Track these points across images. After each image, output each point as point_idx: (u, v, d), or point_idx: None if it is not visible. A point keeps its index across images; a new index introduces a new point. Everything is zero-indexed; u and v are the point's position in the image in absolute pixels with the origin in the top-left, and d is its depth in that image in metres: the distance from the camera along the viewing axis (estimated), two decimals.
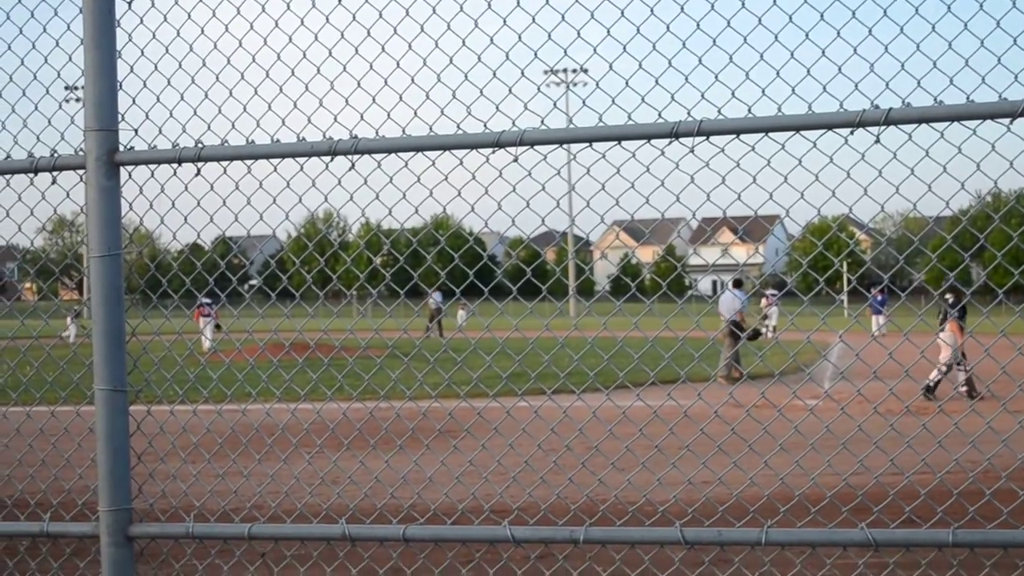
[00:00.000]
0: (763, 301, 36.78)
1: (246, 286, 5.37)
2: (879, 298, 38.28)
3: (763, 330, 31.75)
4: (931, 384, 20.71)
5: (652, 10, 4.28)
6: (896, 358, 4.36)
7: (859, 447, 4.53)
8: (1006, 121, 3.94)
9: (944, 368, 20.50)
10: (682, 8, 4.26)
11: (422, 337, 31.62)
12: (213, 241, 5.73)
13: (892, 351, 4.34)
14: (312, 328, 5.28)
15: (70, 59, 4.96)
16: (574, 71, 71.00)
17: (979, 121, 3.98)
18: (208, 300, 29.42)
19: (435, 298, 35.46)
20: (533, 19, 4.43)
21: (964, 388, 20.48)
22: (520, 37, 4.45)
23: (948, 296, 20.45)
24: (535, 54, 4.44)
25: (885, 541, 4.17)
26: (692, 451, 4.61)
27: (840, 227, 5.35)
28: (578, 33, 4.41)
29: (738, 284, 28.13)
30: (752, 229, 4.43)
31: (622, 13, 4.34)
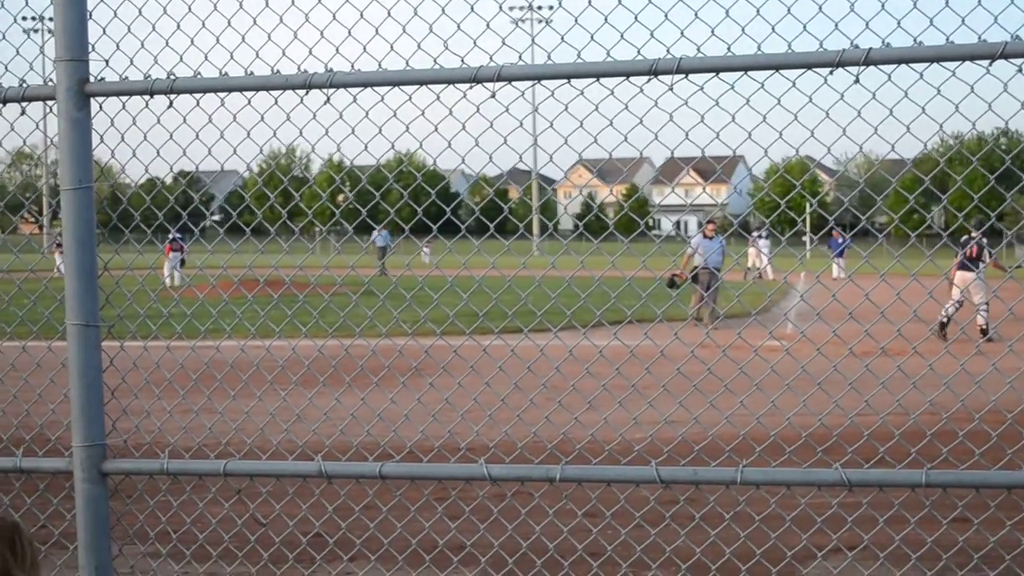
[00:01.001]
0: (752, 247, 36.36)
1: (212, 220, 5.32)
2: (839, 240, 38.16)
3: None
4: (944, 320, 20.73)
5: None
6: (872, 299, 4.37)
7: (834, 388, 4.55)
8: (985, 63, 3.93)
9: (956, 307, 20.47)
10: None
11: (373, 275, 31.26)
12: (184, 175, 5.67)
13: (869, 292, 4.35)
14: (286, 264, 5.25)
15: None
16: (545, 7, 70.65)
17: (958, 63, 3.97)
18: (180, 235, 29.19)
19: (382, 236, 34.81)
20: None
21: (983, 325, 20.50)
22: None
23: (974, 234, 20.09)
24: None
25: (859, 481, 4.20)
26: (668, 390, 4.61)
27: (804, 168, 5.35)
28: None
29: (710, 221, 27.07)
30: (715, 170, 4.40)
31: None
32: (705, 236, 25.09)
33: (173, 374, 5.12)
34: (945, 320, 20.59)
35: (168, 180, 5.79)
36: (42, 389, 5.24)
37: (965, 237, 20.28)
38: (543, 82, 4.38)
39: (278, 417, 5.11)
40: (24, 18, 5.55)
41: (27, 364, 5.28)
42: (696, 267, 23.82)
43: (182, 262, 31.40)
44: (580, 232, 5.00)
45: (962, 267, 20.28)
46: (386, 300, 4.87)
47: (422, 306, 5.32)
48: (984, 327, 20.47)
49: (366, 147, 4.66)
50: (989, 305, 19.37)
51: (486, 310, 4.75)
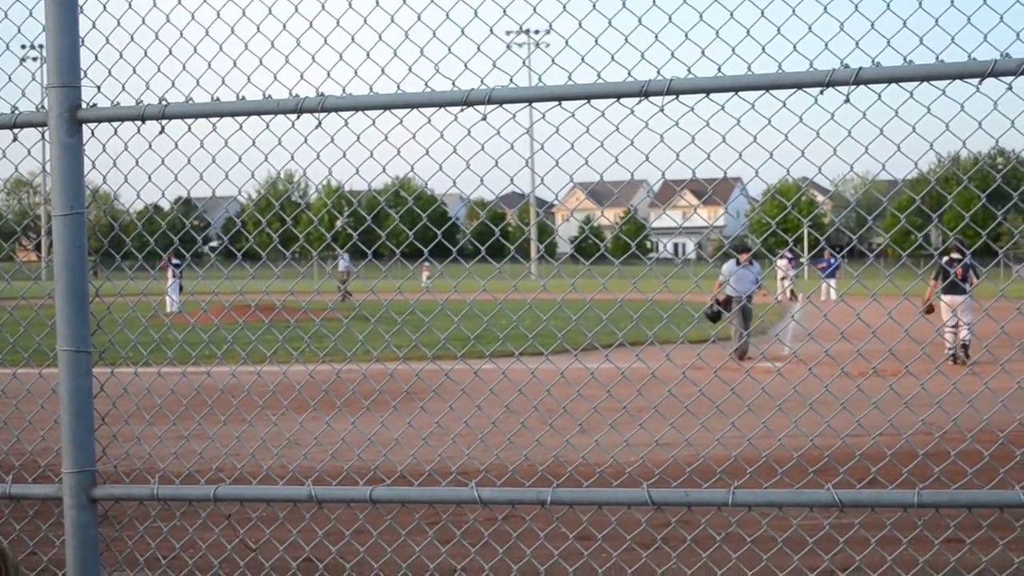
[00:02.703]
0: (780, 264, 35.92)
1: (208, 247, 5.31)
2: (832, 261, 38.00)
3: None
4: (966, 343, 20.70)
5: None
6: (863, 319, 4.37)
7: (826, 408, 4.54)
8: (975, 81, 3.93)
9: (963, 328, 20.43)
10: None
11: (335, 300, 30.90)
12: (176, 201, 5.66)
13: (860, 312, 4.35)
14: (278, 289, 5.24)
15: (30, 14, 4.87)
16: (536, 32, 70.84)
17: (948, 81, 3.98)
18: (177, 261, 29.15)
19: (344, 260, 34.41)
20: None
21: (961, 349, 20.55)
22: None
23: (955, 255, 20.04)
24: (504, 11, 4.40)
25: (851, 502, 4.18)
26: (659, 412, 4.60)
27: (804, 189, 5.35)
28: None
29: (744, 250, 24.31)
30: (714, 191, 4.41)
31: None
32: (738, 263, 23.49)
33: (164, 400, 5.11)
34: (952, 350, 20.61)
35: (165, 206, 5.81)
36: (32, 416, 5.22)
37: (947, 258, 20.22)
38: (534, 104, 4.38)
39: (269, 442, 5.10)
40: (21, 46, 5.55)
41: (18, 390, 5.27)
42: (729, 297, 22.85)
43: (180, 288, 31.38)
44: (573, 255, 5.00)
45: (950, 290, 20.27)
46: (377, 324, 4.86)
47: (413, 330, 5.31)
48: (966, 343, 20.54)
49: (357, 171, 4.66)
50: (972, 327, 19.42)
51: (476, 333, 4.74)
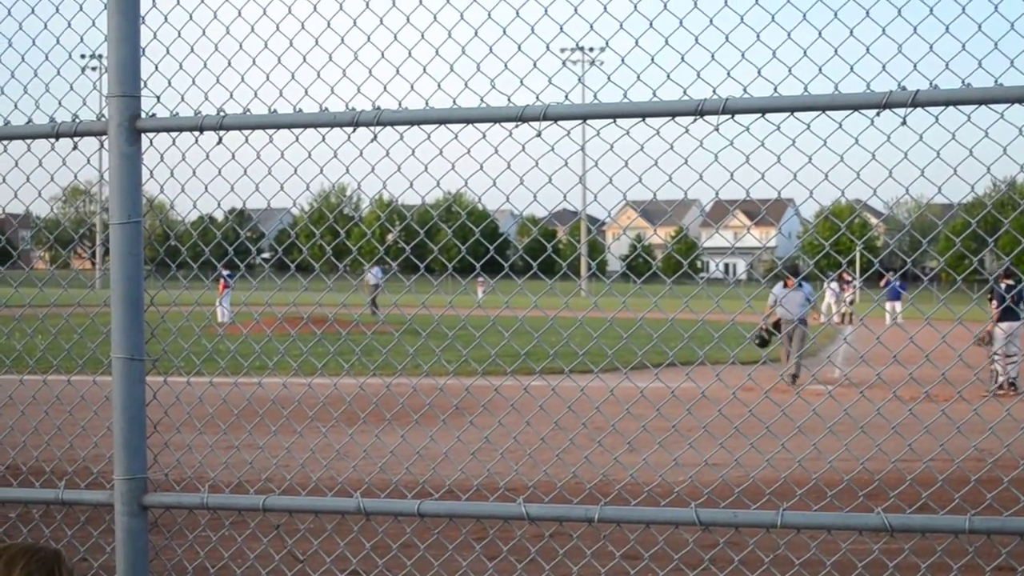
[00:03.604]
0: (843, 288, 35.54)
1: (261, 258, 5.36)
2: (899, 284, 37.59)
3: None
4: (1013, 380, 20.40)
5: None
6: (916, 343, 4.33)
7: (877, 432, 4.51)
8: None
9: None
10: None
11: (362, 312, 30.72)
12: (231, 212, 5.71)
13: (913, 336, 4.32)
14: (330, 302, 5.27)
15: (93, 24, 4.93)
16: (591, 49, 70.82)
17: (1007, 105, 3.95)
18: (228, 272, 29.35)
19: (373, 273, 33.97)
20: None
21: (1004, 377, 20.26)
22: (547, 11, 4.41)
23: (1010, 281, 19.75)
24: (560, 28, 4.40)
25: (901, 526, 4.14)
26: (709, 432, 4.59)
27: (858, 211, 5.32)
28: (604, 8, 4.37)
29: (795, 272, 22.85)
30: (766, 212, 4.39)
31: None
32: (786, 286, 22.81)
33: (215, 409, 5.14)
34: (1004, 378, 20.34)
35: (219, 217, 5.84)
36: (86, 422, 5.27)
37: (1005, 284, 19.89)
38: (589, 121, 4.38)
39: (318, 454, 5.12)
40: (82, 56, 5.62)
41: (72, 397, 5.32)
42: (779, 320, 22.48)
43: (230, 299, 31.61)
44: (625, 273, 4.99)
45: (1007, 316, 19.92)
46: (428, 338, 4.88)
47: (464, 345, 5.32)
48: (1014, 380, 20.25)
49: (411, 184, 4.69)
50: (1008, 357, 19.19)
51: (527, 349, 4.74)
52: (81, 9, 5.03)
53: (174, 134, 4.82)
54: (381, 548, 5.49)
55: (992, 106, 3.95)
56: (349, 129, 4.56)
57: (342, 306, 4.94)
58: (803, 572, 4.74)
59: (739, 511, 4.27)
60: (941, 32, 4.00)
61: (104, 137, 4.74)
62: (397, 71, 4.72)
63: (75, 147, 4.99)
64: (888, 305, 37.81)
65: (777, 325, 22.37)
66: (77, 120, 4.87)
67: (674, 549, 4.91)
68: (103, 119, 4.73)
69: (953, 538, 4.17)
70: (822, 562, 4.78)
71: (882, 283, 36.83)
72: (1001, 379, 20.35)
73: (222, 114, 4.66)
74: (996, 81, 3.90)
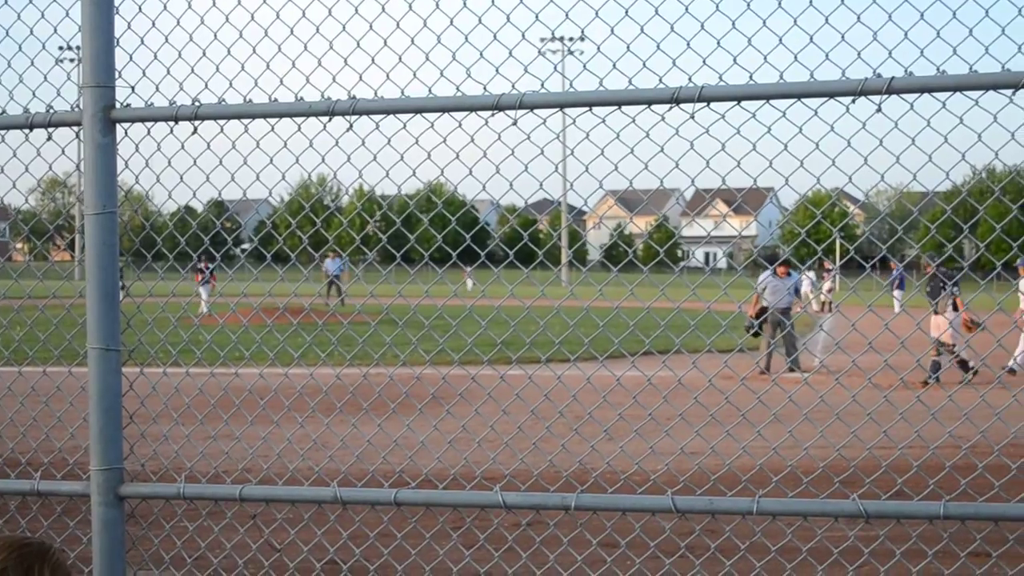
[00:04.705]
0: (822, 277, 35.46)
1: (239, 249, 5.34)
2: (896, 272, 37.33)
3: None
4: (970, 364, 20.22)
5: None
6: (891, 330, 4.35)
7: (852, 419, 4.52)
8: (1008, 92, 3.91)
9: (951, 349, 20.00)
10: None
11: (322, 303, 30.44)
12: (207, 202, 5.70)
13: (888, 323, 4.33)
14: (306, 292, 5.25)
15: (67, 14, 4.91)
16: (569, 39, 70.75)
17: (981, 92, 3.96)
18: (205, 265, 29.21)
19: (327, 264, 33.64)
20: None
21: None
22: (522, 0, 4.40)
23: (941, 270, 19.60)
24: (536, 16, 4.40)
25: (876, 513, 4.16)
26: (685, 420, 4.60)
27: (834, 199, 5.33)
28: None
29: (784, 261, 21.66)
30: (745, 200, 4.40)
31: None
32: (776, 274, 21.97)
33: (192, 399, 5.13)
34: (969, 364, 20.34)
35: (196, 207, 5.82)
36: (62, 413, 5.25)
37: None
38: (565, 110, 4.38)
39: (295, 443, 5.12)
40: (60, 48, 5.59)
41: (48, 388, 5.31)
42: (764, 307, 21.55)
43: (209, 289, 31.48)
44: (603, 262, 5.00)
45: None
46: (405, 327, 4.88)
47: (441, 334, 5.32)
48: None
49: (387, 174, 4.68)
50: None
51: (504, 338, 4.74)
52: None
53: (149, 124, 4.80)
54: (358, 537, 5.50)
55: (967, 93, 3.96)
56: (325, 119, 4.55)
57: (318, 295, 4.93)
58: (779, 559, 4.76)
59: (715, 498, 4.28)
60: (916, 19, 4.02)
61: (79, 127, 4.71)
62: (372, 60, 4.71)
63: (49, 138, 4.96)
64: (896, 293, 37.72)
65: (763, 313, 21.99)
66: (51, 111, 4.85)
67: (651, 536, 4.92)
68: (77, 109, 4.71)
69: (928, 524, 4.20)
70: (798, 548, 4.80)
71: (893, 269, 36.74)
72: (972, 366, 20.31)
73: (197, 104, 4.64)
74: (971, 68, 3.91)
